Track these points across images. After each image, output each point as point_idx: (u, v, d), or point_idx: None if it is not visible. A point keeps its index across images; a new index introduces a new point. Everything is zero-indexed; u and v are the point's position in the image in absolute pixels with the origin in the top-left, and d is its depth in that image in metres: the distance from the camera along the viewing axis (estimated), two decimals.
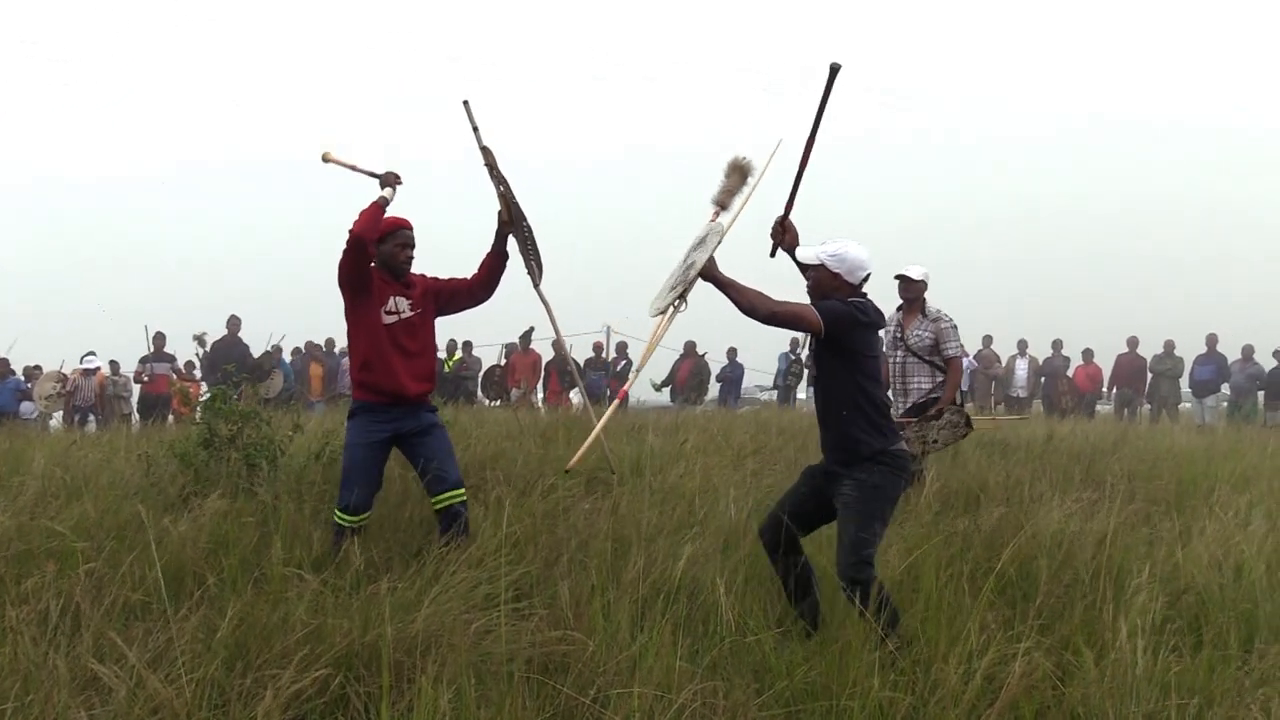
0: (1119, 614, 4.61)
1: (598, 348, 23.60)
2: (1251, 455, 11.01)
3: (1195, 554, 5.85)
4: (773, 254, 5.37)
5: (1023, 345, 22.35)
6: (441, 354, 22.45)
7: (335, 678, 3.83)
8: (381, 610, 4.11)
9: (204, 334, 18.41)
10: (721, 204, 5.52)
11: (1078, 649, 4.29)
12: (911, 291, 8.44)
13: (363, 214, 5.78)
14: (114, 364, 20.55)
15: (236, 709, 3.65)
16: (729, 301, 4.87)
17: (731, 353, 22.93)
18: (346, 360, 22.09)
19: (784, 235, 5.31)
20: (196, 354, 19.13)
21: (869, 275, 5.10)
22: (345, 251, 5.71)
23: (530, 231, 6.33)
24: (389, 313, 5.89)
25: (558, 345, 8.01)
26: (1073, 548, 5.86)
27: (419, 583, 4.61)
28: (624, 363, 22.79)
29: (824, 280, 5.09)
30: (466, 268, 6.29)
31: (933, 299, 8.63)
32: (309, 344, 22.59)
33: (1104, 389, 21.79)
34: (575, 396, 21.50)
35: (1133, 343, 21.54)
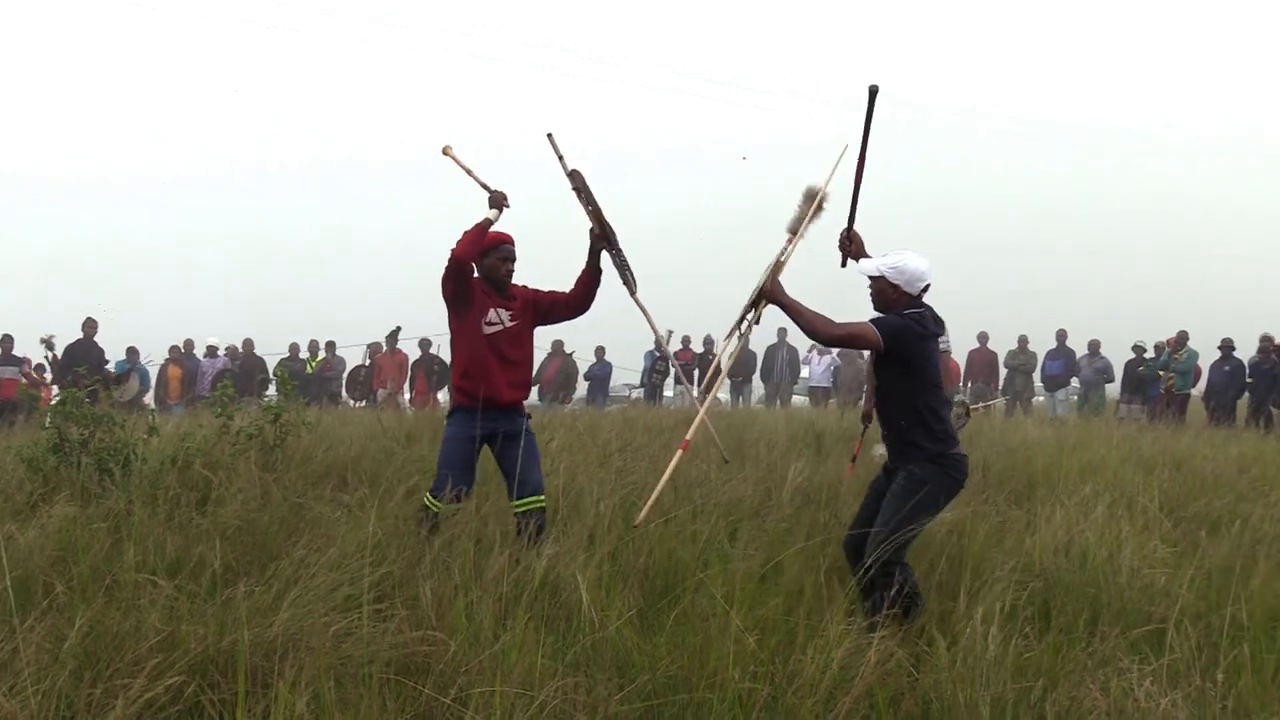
0: (971, 602, 4.76)
1: None
2: (1098, 446, 11.43)
3: (1043, 542, 6.05)
4: (843, 264, 5.66)
5: None
6: (304, 354, 22.10)
7: (189, 685, 3.75)
8: (238, 614, 4.04)
9: (52, 337, 17.86)
10: (793, 230, 5.73)
11: (931, 637, 4.41)
12: None
13: (466, 234, 6.07)
14: None
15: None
16: (793, 322, 5.18)
17: (599, 351, 22.99)
18: (206, 362, 21.63)
19: (850, 245, 5.58)
20: (46, 357, 18.52)
21: (929, 285, 5.32)
22: (446, 271, 6.04)
23: (619, 245, 6.48)
24: (489, 323, 6.19)
25: (659, 345, 8.32)
26: (927, 538, 6.02)
27: (277, 586, 4.53)
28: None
29: (884, 291, 5.31)
30: None
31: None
32: (171, 347, 22.03)
33: (959, 384, 22.39)
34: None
35: (983, 338, 22.25)
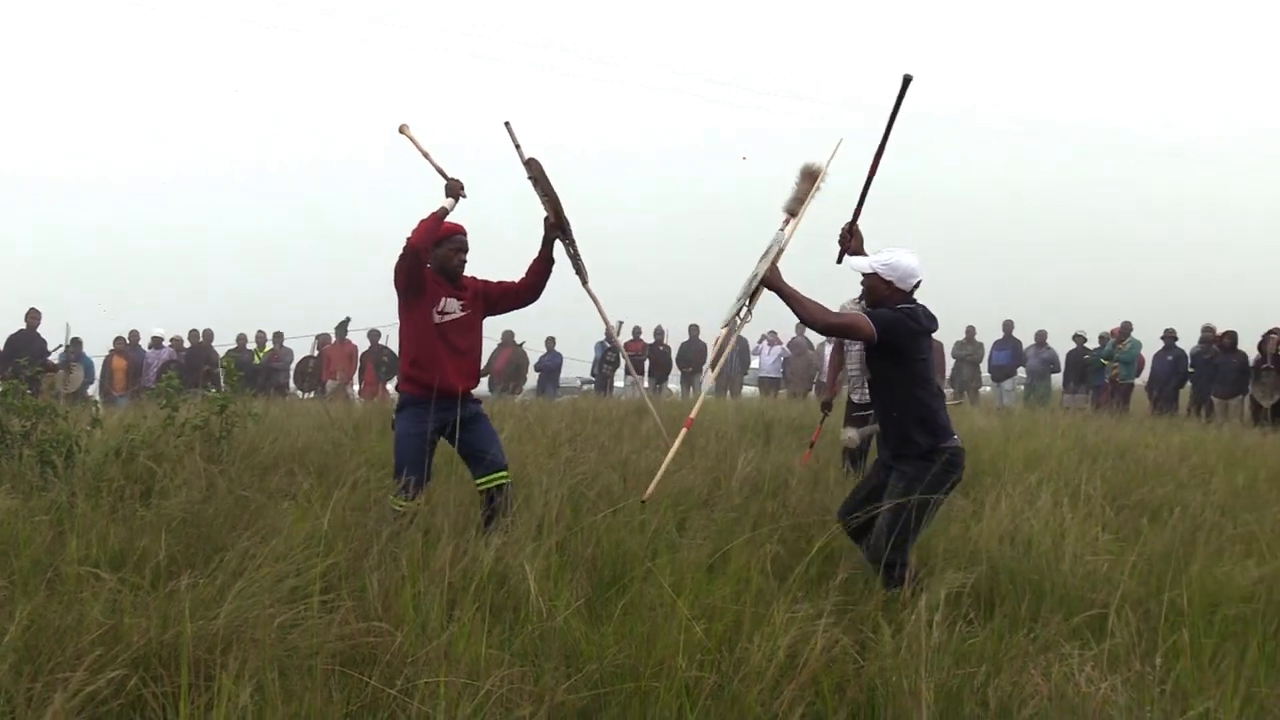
0: (917, 589, 4.80)
1: None
2: (1044, 435, 11.57)
3: (989, 530, 6.11)
4: (839, 260, 5.70)
5: None
6: (250, 345, 21.90)
7: (131, 678, 3.71)
8: (181, 607, 4.00)
9: None
10: (792, 211, 5.77)
11: (877, 624, 4.45)
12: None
13: (421, 224, 6.06)
14: None
15: (24, 714, 3.51)
16: (790, 310, 5.30)
17: (550, 342, 22.94)
18: (152, 353, 21.37)
19: (850, 240, 5.64)
20: None
21: (920, 282, 5.42)
22: (401, 259, 6.04)
23: (573, 235, 6.52)
24: (440, 313, 6.20)
25: (609, 335, 8.39)
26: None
27: (222, 578, 4.49)
28: None
29: (877, 287, 5.43)
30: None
31: None
32: (116, 339, 21.76)
33: None
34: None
35: None
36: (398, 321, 6.31)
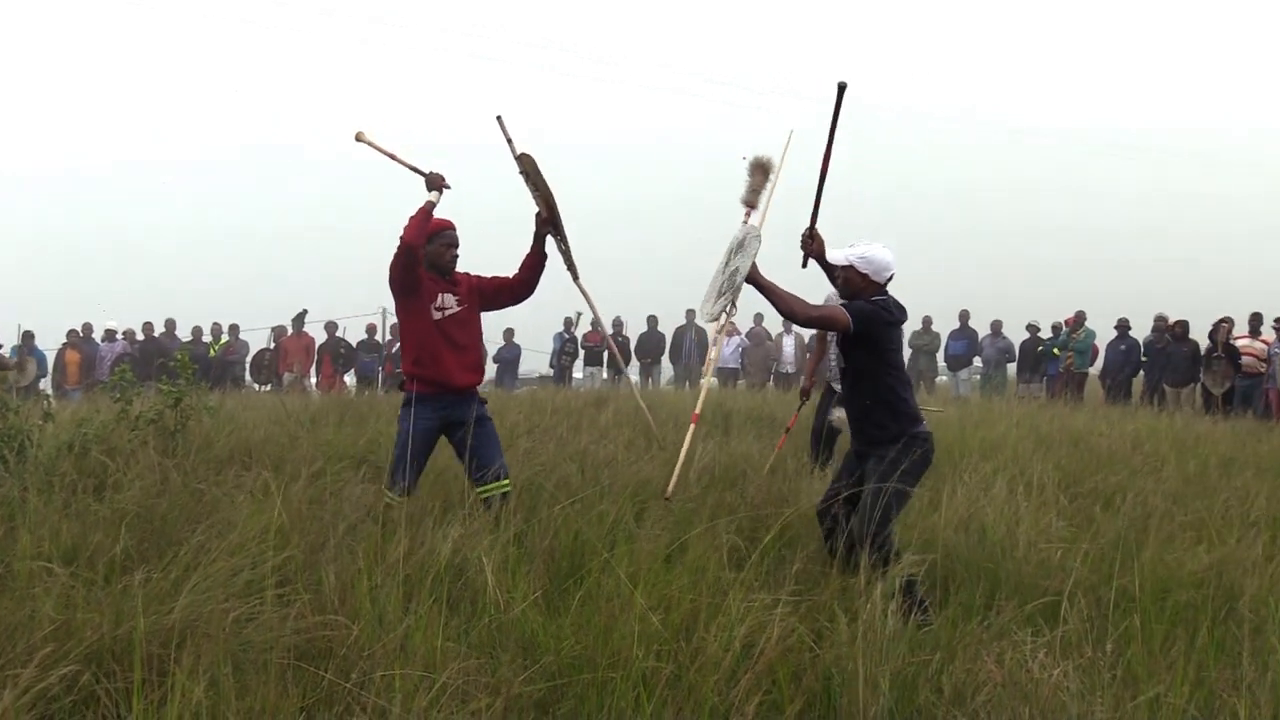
0: (872, 578, 4.83)
1: (371, 330, 23.19)
2: (999, 425, 11.67)
3: (945, 518, 6.16)
4: (804, 264, 5.74)
5: (788, 323, 22.99)
6: (207, 338, 21.73)
7: (84, 674, 3.68)
8: (135, 602, 3.97)
9: None
10: (750, 203, 5.97)
11: (833, 613, 4.48)
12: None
13: (412, 220, 6.06)
14: None
15: None
16: (769, 302, 5.43)
17: (508, 333, 22.87)
18: (105, 346, 21.15)
19: (812, 244, 5.63)
20: None
21: (893, 275, 5.56)
22: (396, 257, 6.02)
23: (565, 231, 6.52)
24: (438, 309, 6.21)
25: (600, 332, 8.41)
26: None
27: (176, 572, 4.45)
28: (399, 344, 22.47)
29: (853, 280, 5.55)
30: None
31: None
32: (69, 331, 21.53)
33: None
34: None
35: None
36: (397, 322, 6.37)
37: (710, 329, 6.22)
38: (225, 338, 22.14)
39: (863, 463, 5.51)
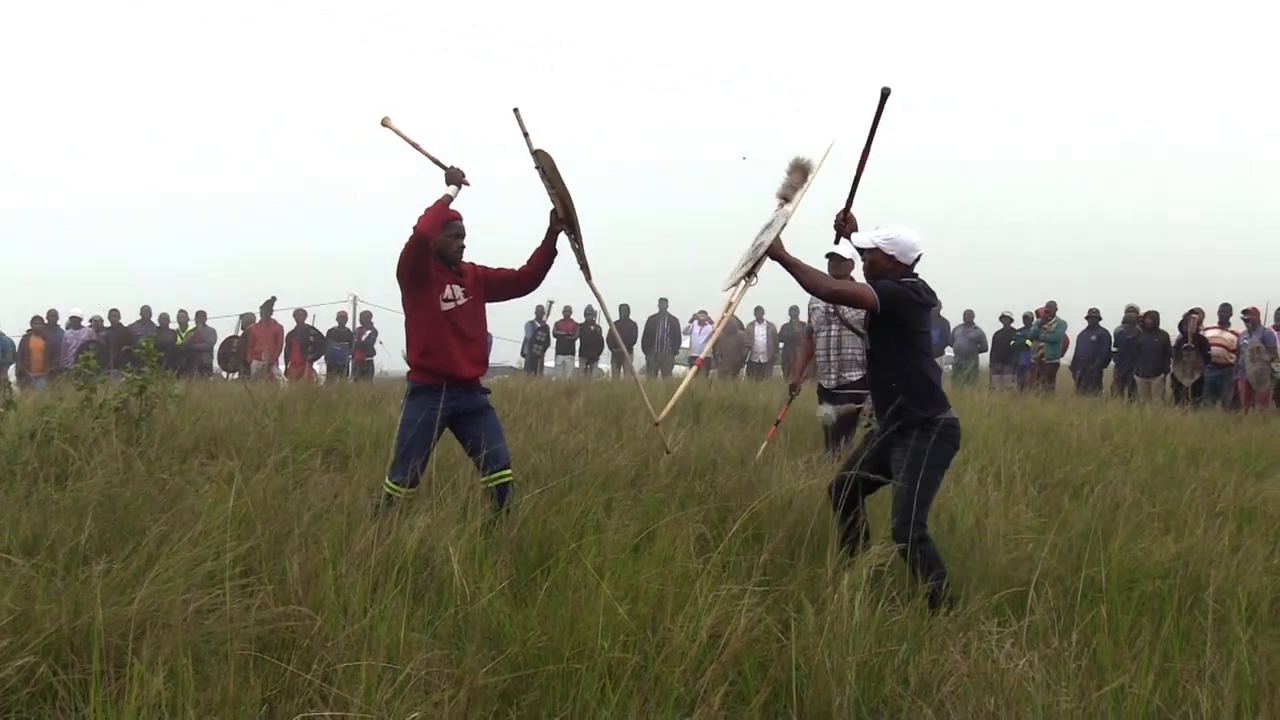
0: (839, 568, 4.84)
1: (341, 317, 23.09)
2: (971, 415, 11.70)
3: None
4: (836, 241, 5.95)
5: (759, 312, 23.06)
6: (173, 325, 21.59)
7: (41, 666, 3.64)
8: (94, 593, 3.93)
9: None
10: (784, 196, 6.02)
11: (799, 603, 4.48)
12: (841, 270, 8.57)
13: (428, 211, 6.09)
14: None
15: None
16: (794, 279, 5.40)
17: None
18: (70, 333, 20.98)
19: (845, 226, 5.71)
20: None
21: (920, 256, 5.55)
22: (408, 247, 6.04)
23: (579, 231, 6.51)
24: (446, 300, 6.22)
25: (610, 334, 8.41)
26: (802, 508, 6.11)
27: (137, 563, 4.42)
28: (369, 333, 22.40)
29: (879, 262, 5.53)
30: None
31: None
32: (33, 318, 21.34)
33: None
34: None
35: None
36: (403, 313, 6.32)
37: (726, 295, 6.23)
38: (192, 325, 22.00)
39: (887, 449, 5.48)
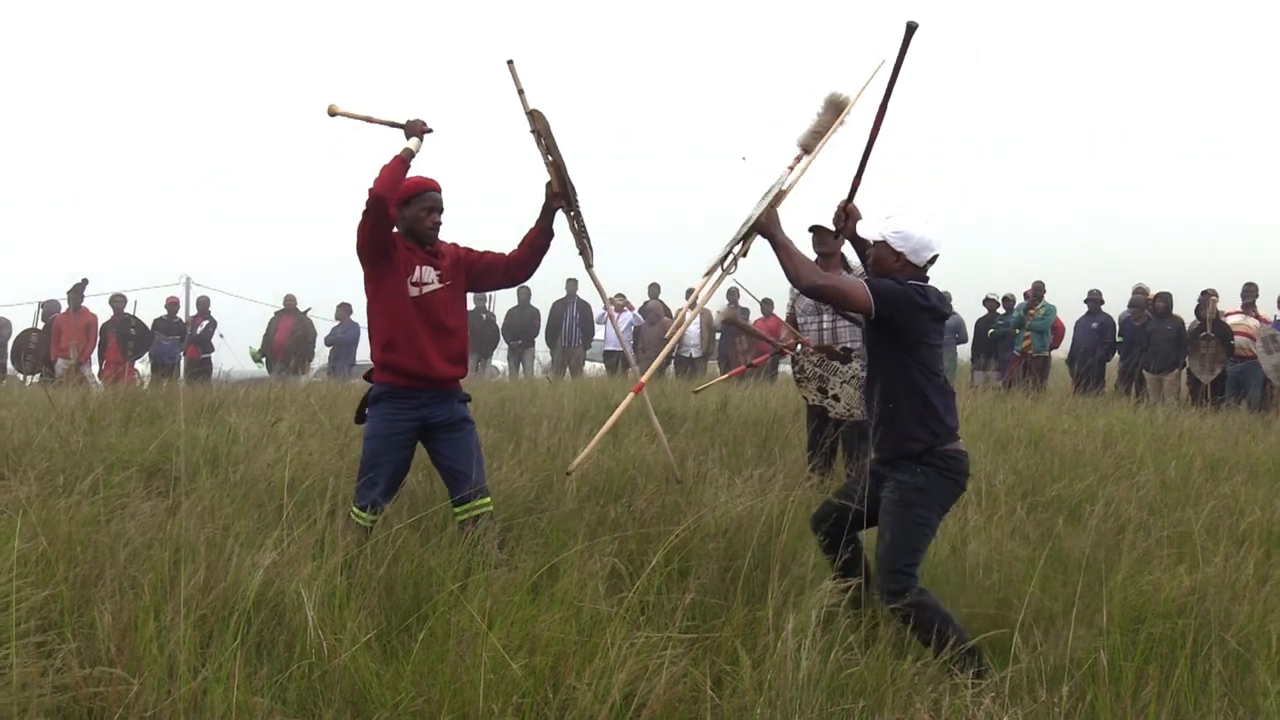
0: (783, 608, 4.85)
1: (171, 305, 22.76)
2: None
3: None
4: (836, 237, 5.97)
5: (688, 294, 22.87)
6: None
7: None
8: None
9: None
10: (806, 147, 5.93)
11: (735, 653, 4.49)
12: (828, 246, 8.55)
13: (384, 170, 6.09)
14: None
15: None
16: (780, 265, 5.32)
17: (344, 310, 22.58)
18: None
19: (847, 221, 5.72)
20: None
21: (936, 257, 5.41)
22: (364, 213, 6.02)
23: (579, 207, 6.51)
24: (415, 284, 6.23)
25: (610, 320, 8.36)
26: (739, 534, 6.12)
27: None
28: (206, 323, 22.13)
29: (885, 259, 5.42)
30: None
31: None
32: None
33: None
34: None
35: None
36: (365, 300, 6.32)
37: (700, 282, 6.13)
38: None
39: (878, 483, 5.41)
